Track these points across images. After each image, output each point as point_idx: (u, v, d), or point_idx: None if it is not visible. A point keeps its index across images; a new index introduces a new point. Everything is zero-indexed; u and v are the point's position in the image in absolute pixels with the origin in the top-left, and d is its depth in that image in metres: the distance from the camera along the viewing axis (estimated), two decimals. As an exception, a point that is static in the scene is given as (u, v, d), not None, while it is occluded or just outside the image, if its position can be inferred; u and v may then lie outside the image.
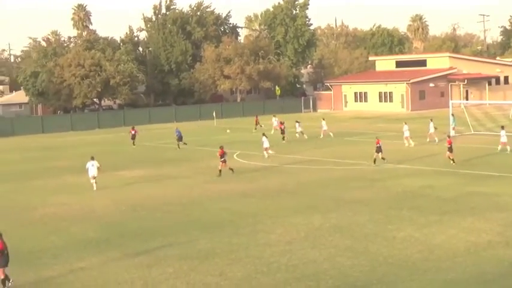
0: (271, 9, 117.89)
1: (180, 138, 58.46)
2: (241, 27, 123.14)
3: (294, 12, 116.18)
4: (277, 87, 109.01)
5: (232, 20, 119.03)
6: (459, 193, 33.30)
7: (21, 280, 22.00)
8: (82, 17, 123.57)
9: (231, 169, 41.78)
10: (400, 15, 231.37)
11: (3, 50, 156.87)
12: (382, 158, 43.75)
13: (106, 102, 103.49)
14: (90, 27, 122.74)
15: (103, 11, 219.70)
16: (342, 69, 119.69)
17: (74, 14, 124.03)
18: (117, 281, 21.55)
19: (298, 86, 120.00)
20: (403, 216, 28.63)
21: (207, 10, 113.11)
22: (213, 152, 52.90)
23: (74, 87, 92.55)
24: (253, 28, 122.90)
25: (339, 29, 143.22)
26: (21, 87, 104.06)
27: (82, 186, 40.00)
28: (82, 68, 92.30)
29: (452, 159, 42.31)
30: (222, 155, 41.50)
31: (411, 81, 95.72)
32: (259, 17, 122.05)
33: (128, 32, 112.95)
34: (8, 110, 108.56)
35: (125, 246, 25.68)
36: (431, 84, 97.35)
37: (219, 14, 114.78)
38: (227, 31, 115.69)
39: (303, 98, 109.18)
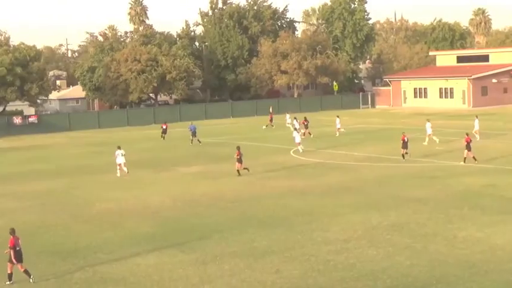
0: (329, 3, 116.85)
1: (193, 134, 59.12)
2: (299, 22, 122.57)
3: (353, 6, 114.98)
4: (334, 83, 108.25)
5: (289, 15, 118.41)
6: (523, 192, 32.44)
7: (78, 275, 22.08)
8: (139, 11, 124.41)
9: (239, 170, 40.62)
10: (462, 9, 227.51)
11: (61, 45, 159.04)
12: (405, 154, 44.24)
13: (162, 97, 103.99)
14: (147, 21, 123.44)
15: (159, 6, 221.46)
16: (401, 64, 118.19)
17: (130, 8, 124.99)
18: (172, 277, 21.45)
19: (356, 81, 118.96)
20: (464, 215, 27.96)
21: (264, 4, 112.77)
22: (270, 148, 52.81)
23: (130, 82, 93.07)
24: (311, 22, 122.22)
25: (398, 24, 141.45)
26: (78, 82, 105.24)
27: (137, 182, 40.27)
28: (138, 63, 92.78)
29: (473, 158, 41.16)
30: (239, 156, 40.75)
31: (473, 76, 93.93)
32: (317, 11, 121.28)
33: (185, 27, 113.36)
34: (65, 105, 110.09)
35: (180, 242, 25.58)
36: (494, 80, 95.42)
37: (276, 8, 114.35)
38: (284, 26, 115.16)
39: (361, 93, 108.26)
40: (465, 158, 41.35)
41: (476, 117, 56.13)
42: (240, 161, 40.80)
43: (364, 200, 32.07)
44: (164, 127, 65.22)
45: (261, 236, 25.89)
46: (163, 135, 64.62)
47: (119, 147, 43.53)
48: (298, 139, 51.24)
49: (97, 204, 33.76)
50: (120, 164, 42.88)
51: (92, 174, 44.27)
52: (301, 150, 50.33)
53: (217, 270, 21.94)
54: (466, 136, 41.91)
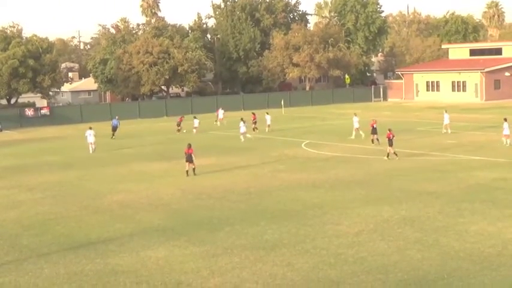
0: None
1: (113, 129, 60.16)
2: (311, 15, 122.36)
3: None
4: (346, 76, 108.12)
5: (301, 7, 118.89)
6: (535, 186, 32.26)
7: (89, 267, 22.11)
8: (151, 3, 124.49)
9: (194, 170, 38.95)
10: (475, 2, 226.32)
11: (73, 37, 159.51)
12: (375, 139, 47.82)
13: (174, 89, 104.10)
14: (159, 14, 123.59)
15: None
16: (414, 57, 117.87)
17: (142, 1, 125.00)
18: (183, 269, 21.45)
19: (368, 74, 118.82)
20: (475, 209, 27.83)
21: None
22: (281, 141, 52.76)
23: (142, 74, 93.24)
24: (323, 15, 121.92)
25: (411, 16, 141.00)
26: (90, 74, 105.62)
27: (149, 174, 40.31)
28: (150, 55, 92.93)
29: (394, 153, 41.49)
30: (188, 154, 38.60)
31: (486, 70, 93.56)
32: (329, 4, 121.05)
33: (197, 19, 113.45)
34: (77, 97, 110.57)
35: (191, 235, 25.58)
36: (507, 73, 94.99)
37: (288, 1, 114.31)
38: (296, 18, 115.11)
39: (373, 86, 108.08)
40: (388, 154, 41.68)
41: (446, 111, 55.82)
42: (190, 159, 38.55)
43: (375, 193, 31.99)
44: (179, 120, 65.99)
45: (272, 228, 25.85)
46: (178, 128, 65.15)
47: (90, 128, 51.18)
48: (242, 129, 54.21)
49: (108, 196, 33.83)
50: (91, 143, 50.43)
51: (103, 166, 44.36)
52: (242, 139, 53.41)
53: (228, 262, 21.92)
54: (388, 132, 42.04)
